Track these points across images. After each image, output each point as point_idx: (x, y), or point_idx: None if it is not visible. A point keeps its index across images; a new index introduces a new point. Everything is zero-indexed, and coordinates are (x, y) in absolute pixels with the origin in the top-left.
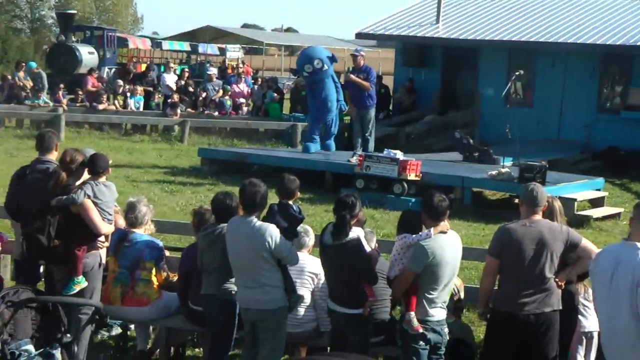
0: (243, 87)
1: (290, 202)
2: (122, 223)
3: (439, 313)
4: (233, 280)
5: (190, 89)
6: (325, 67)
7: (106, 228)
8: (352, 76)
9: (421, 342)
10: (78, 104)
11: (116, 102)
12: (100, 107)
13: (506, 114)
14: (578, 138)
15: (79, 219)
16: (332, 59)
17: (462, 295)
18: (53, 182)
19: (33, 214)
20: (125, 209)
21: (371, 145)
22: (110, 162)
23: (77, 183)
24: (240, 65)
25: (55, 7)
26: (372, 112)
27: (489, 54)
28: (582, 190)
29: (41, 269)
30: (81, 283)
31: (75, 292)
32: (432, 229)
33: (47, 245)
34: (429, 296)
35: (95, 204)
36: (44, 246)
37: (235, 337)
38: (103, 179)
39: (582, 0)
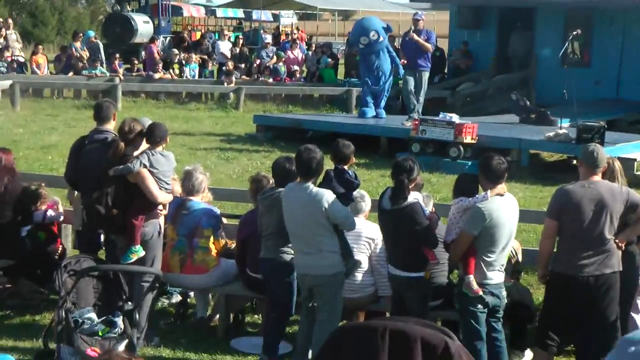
0: (297, 54)
1: (346, 168)
2: (178, 190)
3: (497, 276)
4: (290, 245)
5: (245, 56)
6: (381, 38)
7: (164, 197)
8: (415, 35)
9: (479, 305)
10: (134, 74)
11: (171, 70)
12: (156, 76)
13: (563, 74)
14: (637, 97)
15: (137, 189)
16: (387, 29)
17: (520, 257)
18: (112, 152)
19: (92, 184)
20: (181, 177)
21: (419, 107)
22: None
23: (135, 153)
24: (295, 32)
25: None
26: (426, 75)
27: (545, 14)
28: None
29: (102, 238)
30: (138, 252)
31: (132, 260)
32: (488, 192)
33: (105, 215)
34: (487, 259)
35: (152, 173)
36: (102, 215)
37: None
38: (161, 148)
39: None
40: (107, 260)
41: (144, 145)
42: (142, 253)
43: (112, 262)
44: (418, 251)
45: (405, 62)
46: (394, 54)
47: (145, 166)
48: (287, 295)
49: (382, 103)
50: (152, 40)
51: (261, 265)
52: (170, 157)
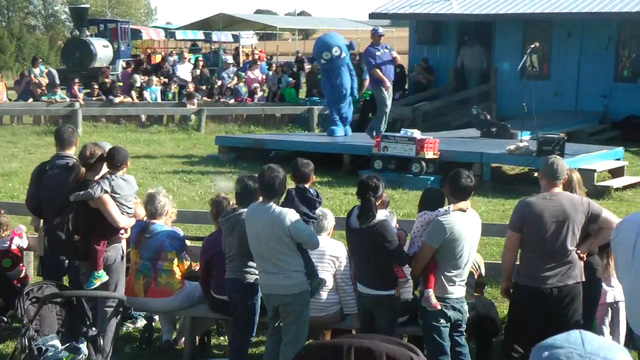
0: (257, 74)
1: (307, 186)
2: (141, 214)
3: (458, 290)
4: (254, 266)
5: (206, 78)
6: (344, 54)
7: (126, 221)
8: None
9: (442, 320)
10: (94, 98)
11: (132, 93)
12: (117, 100)
13: (522, 87)
14: (596, 108)
15: (99, 214)
16: (350, 47)
17: (483, 271)
18: (72, 178)
19: (53, 211)
20: (144, 200)
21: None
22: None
23: (97, 177)
24: (255, 52)
25: (68, 3)
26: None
27: (503, 28)
28: (602, 160)
29: (65, 264)
30: (101, 277)
31: (96, 286)
32: (451, 206)
33: (67, 241)
34: (448, 274)
35: (113, 197)
36: (64, 242)
37: (259, 323)
38: (121, 172)
39: None
40: (70, 286)
41: (105, 170)
42: (105, 278)
43: (76, 288)
44: (388, 269)
45: (381, 79)
46: (354, 71)
47: (106, 191)
48: (252, 314)
49: (348, 120)
50: (128, 65)
51: (226, 285)
52: (131, 181)
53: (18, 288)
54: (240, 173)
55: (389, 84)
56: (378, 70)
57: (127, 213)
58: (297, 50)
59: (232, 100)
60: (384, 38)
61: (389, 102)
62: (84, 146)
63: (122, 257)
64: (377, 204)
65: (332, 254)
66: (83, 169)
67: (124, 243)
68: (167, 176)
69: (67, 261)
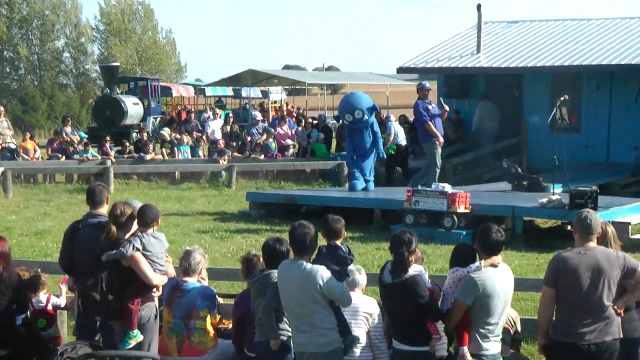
0: (286, 129)
1: (339, 243)
2: (172, 272)
3: (493, 347)
4: (285, 326)
5: (237, 134)
6: (365, 117)
7: (158, 279)
8: (447, 107)
9: None
10: (126, 155)
11: (163, 150)
12: (148, 157)
13: (553, 140)
14: (627, 160)
15: (131, 272)
16: (373, 109)
17: (519, 327)
18: (104, 237)
19: (85, 269)
20: (180, 256)
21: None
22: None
23: (127, 236)
24: (284, 107)
25: (98, 61)
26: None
27: (532, 80)
28: (636, 213)
29: (98, 323)
30: (137, 337)
31: (131, 346)
32: (482, 262)
33: (101, 301)
34: (482, 330)
35: (145, 255)
36: (98, 302)
37: None
38: (152, 229)
39: (622, 22)
40: (104, 345)
41: (135, 228)
42: (140, 338)
43: (109, 347)
44: (422, 324)
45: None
46: (379, 133)
47: (138, 249)
48: None
49: (370, 176)
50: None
51: (255, 348)
52: (162, 238)
53: (52, 348)
54: (271, 229)
55: (442, 139)
56: (432, 125)
57: (160, 270)
58: (320, 115)
59: (262, 156)
60: (408, 93)
61: (440, 158)
62: (114, 205)
63: (156, 316)
64: (410, 259)
65: (365, 311)
66: (114, 228)
67: (157, 301)
68: (199, 233)
69: (99, 321)
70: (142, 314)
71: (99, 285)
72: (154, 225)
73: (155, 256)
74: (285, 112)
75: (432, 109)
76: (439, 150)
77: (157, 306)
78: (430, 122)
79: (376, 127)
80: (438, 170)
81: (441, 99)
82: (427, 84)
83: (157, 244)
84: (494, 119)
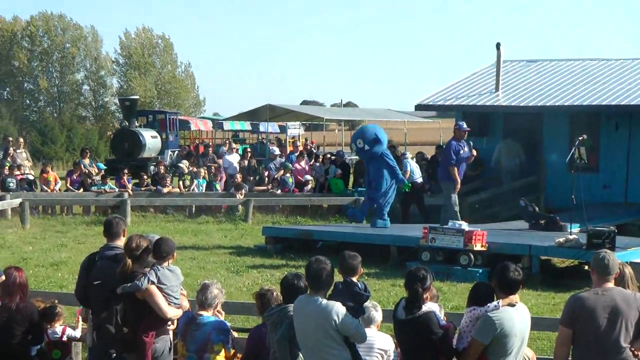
0: (304, 165)
1: (355, 279)
2: (186, 305)
3: None
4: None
5: (254, 168)
6: (366, 147)
7: (173, 312)
8: (474, 152)
9: None
10: (143, 188)
11: (180, 183)
12: (165, 190)
13: (571, 179)
14: None
15: (146, 305)
16: (375, 142)
17: None
18: (119, 270)
19: (101, 301)
20: (196, 289)
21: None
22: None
23: (143, 269)
24: (298, 143)
25: (118, 94)
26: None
27: (551, 119)
28: None
29: (113, 356)
30: None
31: None
32: (500, 301)
33: (116, 334)
34: None
35: (160, 289)
36: (113, 335)
37: None
38: (168, 262)
39: None
40: None
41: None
42: None
43: None
44: None
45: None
46: (393, 163)
47: (152, 282)
48: None
49: (384, 212)
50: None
51: None
52: (177, 271)
53: None
54: (287, 264)
55: (459, 186)
56: (455, 171)
57: (174, 304)
58: (338, 151)
59: (279, 191)
60: (426, 130)
61: (456, 199)
62: (129, 238)
63: (170, 349)
64: (425, 295)
65: (380, 347)
66: (130, 262)
67: (171, 334)
68: (215, 266)
69: (114, 353)
70: (156, 347)
71: (114, 318)
72: (170, 258)
73: (170, 289)
74: (301, 148)
75: (462, 153)
76: (455, 192)
77: (172, 339)
78: (455, 167)
79: (389, 159)
80: (457, 208)
81: (470, 142)
82: (465, 124)
83: (172, 277)
84: (515, 158)
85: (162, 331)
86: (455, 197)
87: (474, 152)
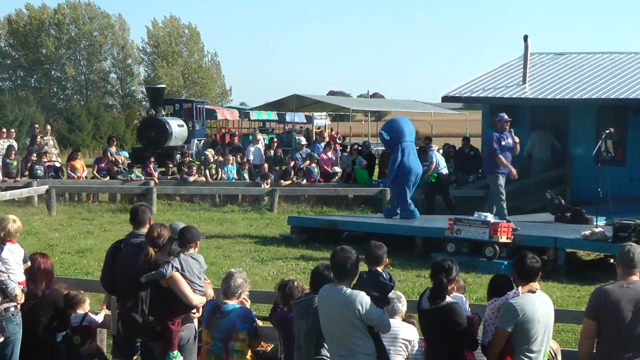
0: (331, 155)
1: (380, 269)
2: (211, 293)
3: None
4: (324, 352)
5: (280, 158)
6: (387, 138)
7: (198, 299)
8: (517, 139)
9: None
10: (169, 177)
11: (207, 172)
12: (191, 179)
13: (597, 172)
14: None
15: (171, 293)
16: (395, 133)
17: (559, 359)
18: (142, 259)
19: (126, 288)
20: (222, 277)
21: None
22: (202, 234)
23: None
24: (325, 133)
25: (144, 82)
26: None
27: (578, 112)
28: None
29: (137, 343)
30: (177, 358)
31: None
32: (520, 288)
33: (142, 323)
34: (525, 358)
35: (183, 276)
36: (140, 324)
37: None
38: (192, 250)
39: None
40: None
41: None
42: (180, 359)
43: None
44: (459, 353)
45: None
46: (395, 159)
47: (177, 269)
48: None
49: (407, 202)
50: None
51: None
52: (200, 259)
53: None
54: (312, 254)
55: (514, 171)
56: (502, 159)
57: (198, 291)
58: (364, 142)
59: (305, 181)
60: (453, 122)
61: (504, 190)
62: (151, 227)
63: (195, 337)
64: (450, 286)
65: (404, 338)
66: (152, 251)
67: (196, 323)
68: (240, 255)
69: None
70: (182, 335)
71: (140, 307)
72: (193, 246)
73: (193, 277)
74: (327, 137)
75: (505, 143)
76: (502, 182)
77: (197, 327)
78: (500, 157)
79: (400, 150)
80: (504, 202)
81: (512, 130)
82: (506, 115)
83: (196, 264)
84: (547, 149)
85: (187, 319)
86: (502, 190)
87: (516, 139)
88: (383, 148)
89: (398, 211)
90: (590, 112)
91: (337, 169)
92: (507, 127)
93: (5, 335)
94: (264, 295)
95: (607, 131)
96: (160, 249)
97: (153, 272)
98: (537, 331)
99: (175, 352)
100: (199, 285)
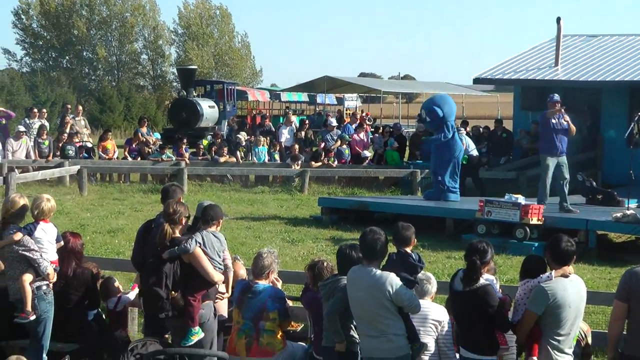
0: (363, 136)
1: (409, 250)
2: (243, 274)
3: (564, 358)
4: (351, 332)
5: (310, 140)
6: (428, 120)
7: (218, 276)
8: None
9: None
10: (200, 158)
11: (237, 153)
12: (222, 159)
13: (629, 155)
14: None
15: (192, 269)
16: (442, 109)
17: (589, 340)
18: (158, 236)
19: (147, 270)
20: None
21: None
22: (225, 214)
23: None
24: (357, 114)
25: (176, 64)
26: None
27: (610, 95)
28: None
29: (163, 317)
30: (198, 334)
31: (193, 343)
32: (553, 272)
33: (167, 298)
34: (553, 341)
35: (204, 252)
36: (164, 299)
37: None
38: (214, 228)
39: None
40: (174, 343)
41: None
42: (201, 334)
43: (178, 346)
44: (490, 334)
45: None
46: (456, 137)
47: (199, 244)
48: None
49: (448, 187)
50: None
51: (322, 353)
52: (221, 238)
53: (122, 344)
54: (342, 235)
55: (559, 153)
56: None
57: (218, 269)
58: (395, 124)
59: (336, 162)
60: (485, 103)
61: (550, 173)
62: (166, 204)
63: (215, 316)
64: (484, 269)
65: (434, 318)
66: (167, 227)
67: (224, 302)
68: (270, 236)
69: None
70: (202, 313)
71: (164, 282)
72: (215, 224)
73: (214, 254)
74: (358, 119)
75: (556, 123)
76: (549, 163)
77: (225, 307)
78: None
79: (446, 133)
80: (547, 183)
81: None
82: (557, 96)
83: (217, 242)
84: (577, 132)
85: (207, 296)
86: (548, 169)
87: (569, 121)
88: (414, 130)
89: (436, 196)
90: (623, 94)
91: (367, 154)
92: (558, 108)
93: (38, 314)
94: (294, 276)
95: (639, 113)
96: (176, 224)
97: (176, 247)
98: (567, 316)
99: (197, 327)
100: (219, 263)
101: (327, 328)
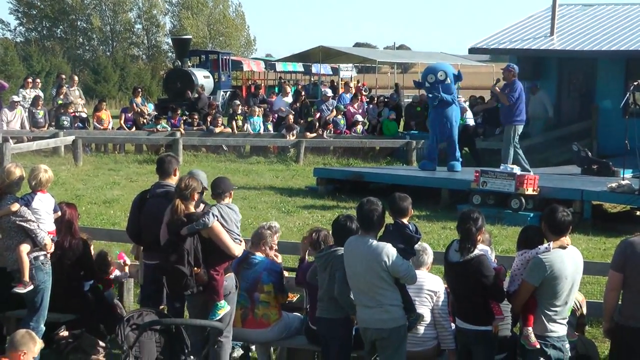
0: (358, 107)
1: (405, 221)
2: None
3: (559, 329)
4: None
5: (306, 110)
6: (448, 80)
7: (239, 249)
8: (496, 88)
9: (541, 359)
10: (195, 128)
11: (233, 123)
12: (217, 130)
13: (625, 125)
14: None
15: (212, 244)
16: (458, 77)
17: (584, 310)
18: (172, 212)
19: (164, 247)
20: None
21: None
22: (234, 185)
23: (198, 209)
24: (351, 84)
25: (170, 34)
26: (509, 128)
27: (605, 64)
28: None
29: (165, 293)
30: (225, 307)
31: (220, 317)
32: (551, 243)
33: (191, 275)
34: (548, 312)
35: (222, 225)
36: (187, 276)
37: (355, 358)
38: (227, 200)
39: None
40: (169, 314)
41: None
42: (227, 308)
43: (175, 316)
44: (485, 304)
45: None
46: (458, 104)
47: (217, 218)
48: (345, 350)
49: (456, 153)
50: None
51: (317, 324)
52: (236, 209)
53: (118, 314)
54: (338, 205)
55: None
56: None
57: (237, 240)
58: (396, 83)
59: (331, 133)
60: (480, 74)
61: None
62: (180, 179)
63: (236, 287)
64: (478, 237)
65: (430, 289)
66: (179, 202)
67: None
68: (266, 207)
69: (166, 290)
70: (226, 285)
71: (186, 259)
72: (227, 196)
73: (232, 226)
74: (353, 89)
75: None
76: (511, 134)
77: (236, 278)
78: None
79: (455, 98)
80: (511, 151)
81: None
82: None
83: (232, 214)
84: (545, 111)
85: (228, 269)
86: (511, 138)
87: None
88: (410, 100)
89: (432, 166)
90: (619, 64)
91: (360, 118)
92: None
93: (35, 284)
94: (290, 246)
95: (635, 83)
96: (188, 199)
97: (195, 223)
98: (563, 287)
99: (223, 301)
100: (237, 234)
101: (324, 299)
